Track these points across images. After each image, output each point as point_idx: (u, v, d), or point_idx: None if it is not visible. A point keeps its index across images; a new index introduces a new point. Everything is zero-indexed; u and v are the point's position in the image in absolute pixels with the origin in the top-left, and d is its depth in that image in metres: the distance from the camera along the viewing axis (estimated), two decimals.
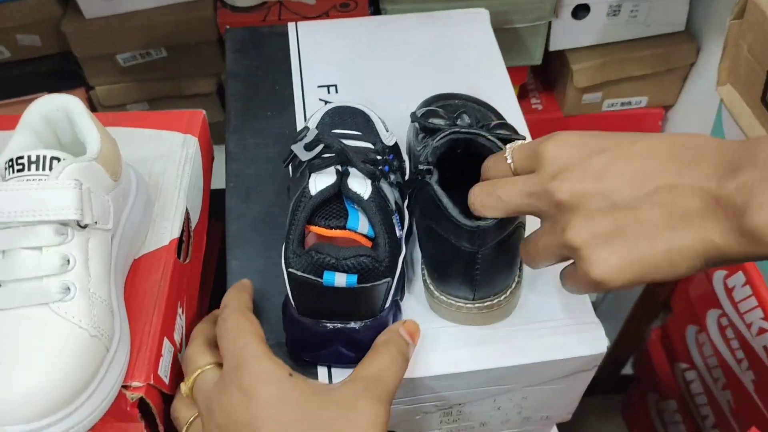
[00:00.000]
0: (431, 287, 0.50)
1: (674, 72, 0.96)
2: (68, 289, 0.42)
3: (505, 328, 0.51)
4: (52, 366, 0.40)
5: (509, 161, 0.42)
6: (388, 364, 0.42)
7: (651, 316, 1.18)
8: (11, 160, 0.43)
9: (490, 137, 0.47)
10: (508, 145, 0.44)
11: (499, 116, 0.57)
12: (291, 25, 0.74)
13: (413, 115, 0.56)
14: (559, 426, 0.70)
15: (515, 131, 0.52)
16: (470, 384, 0.52)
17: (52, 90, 1.05)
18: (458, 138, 0.47)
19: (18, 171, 0.43)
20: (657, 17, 0.91)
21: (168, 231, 0.53)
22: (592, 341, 0.50)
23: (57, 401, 0.40)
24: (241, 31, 0.74)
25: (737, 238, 0.33)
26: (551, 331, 0.50)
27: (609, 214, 0.36)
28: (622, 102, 1.00)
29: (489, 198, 0.42)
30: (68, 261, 0.42)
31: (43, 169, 0.42)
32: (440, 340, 0.50)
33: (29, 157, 0.43)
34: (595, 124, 1.01)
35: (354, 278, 0.40)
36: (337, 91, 0.67)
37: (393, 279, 0.43)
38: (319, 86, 0.67)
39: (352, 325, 0.43)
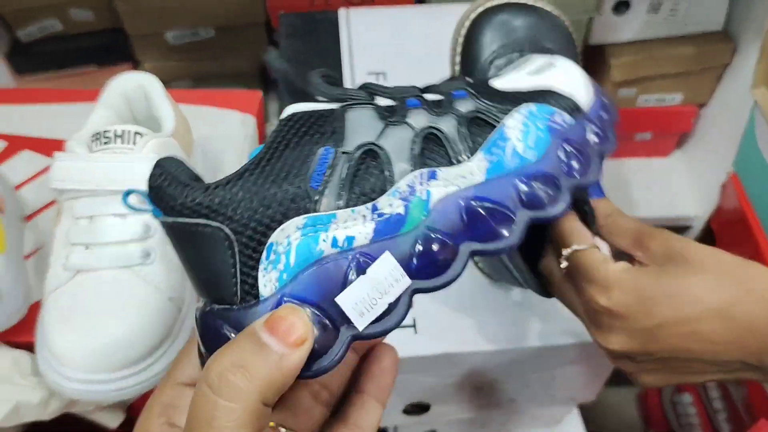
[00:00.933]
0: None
1: (709, 71, 0.98)
2: (149, 254, 0.45)
3: (542, 310, 0.54)
4: (132, 323, 0.44)
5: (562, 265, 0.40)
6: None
7: None
8: (98, 133, 0.47)
9: None
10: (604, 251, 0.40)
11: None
12: (342, 12, 0.77)
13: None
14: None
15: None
16: (504, 361, 0.55)
17: (101, 64, 1.09)
18: None
19: (104, 144, 0.46)
20: (695, 16, 0.92)
21: None
22: None
23: (136, 355, 0.44)
24: (294, 16, 0.77)
25: None
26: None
27: (662, 363, 0.38)
28: (656, 98, 1.01)
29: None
30: (150, 228, 0.46)
31: (128, 143, 0.46)
32: (478, 318, 0.53)
33: (115, 132, 0.46)
34: (629, 118, 1.03)
35: None
36: (385, 79, 0.70)
37: None
38: (368, 73, 0.70)
39: None
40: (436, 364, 0.54)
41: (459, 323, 0.52)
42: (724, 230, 1.00)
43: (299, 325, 0.26)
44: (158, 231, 0.46)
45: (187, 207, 0.28)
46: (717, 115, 1.02)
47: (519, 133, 0.32)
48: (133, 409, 0.54)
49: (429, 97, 0.33)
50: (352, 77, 0.70)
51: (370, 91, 0.32)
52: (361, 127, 0.30)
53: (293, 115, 0.30)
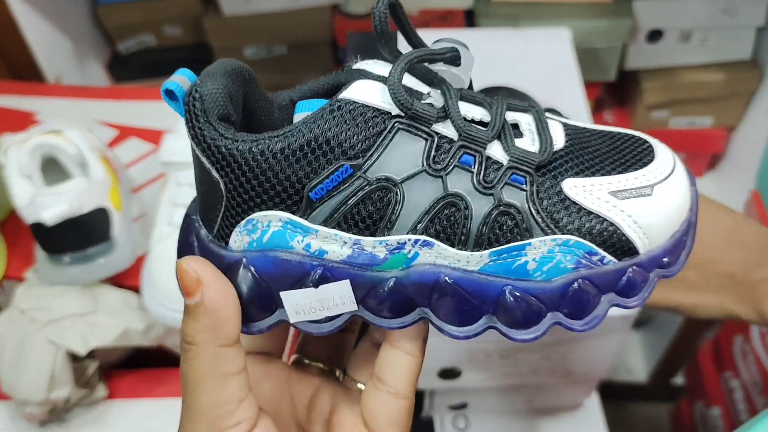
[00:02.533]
0: None
1: (738, 96, 1.05)
2: None
3: None
4: None
5: None
6: None
7: (703, 326, 1.25)
8: None
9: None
10: None
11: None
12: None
13: None
14: (610, 430, 0.80)
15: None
16: None
17: None
18: None
19: None
20: (725, 45, 1.00)
21: None
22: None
23: None
24: (360, 35, 0.88)
25: (753, 314, 0.46)
26: None
27: None
28: (687, 121, 1.09)
29: None
30: None
31: None
32: None
33: None
34: (661, 139, 1.11)
35: None
36: None
37: None
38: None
39: None
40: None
41: None
42: None
43: (187, 274, 0.27)
44: None
45: (203, 143, 0.27)
46: (746, 138, 1.09)
47: (539, 256, 0.28)
48: None
49: (492, 152, 0.29)
50: None
51: (445, 106, 0.28)
52: (399, 159, 0.28)
53: (347, 102, 0.27)
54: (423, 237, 0.28)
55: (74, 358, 0.58)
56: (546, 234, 0.28)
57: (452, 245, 0.28)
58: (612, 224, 0.29)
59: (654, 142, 0.32)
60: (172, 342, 0.62)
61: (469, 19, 1.05)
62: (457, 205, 0.28)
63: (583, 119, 0.75)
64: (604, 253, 0.29)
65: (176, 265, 0.27)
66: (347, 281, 0.28)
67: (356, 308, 0.28)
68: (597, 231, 0.29)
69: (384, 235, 0.28)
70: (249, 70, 0.30)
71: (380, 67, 0.29)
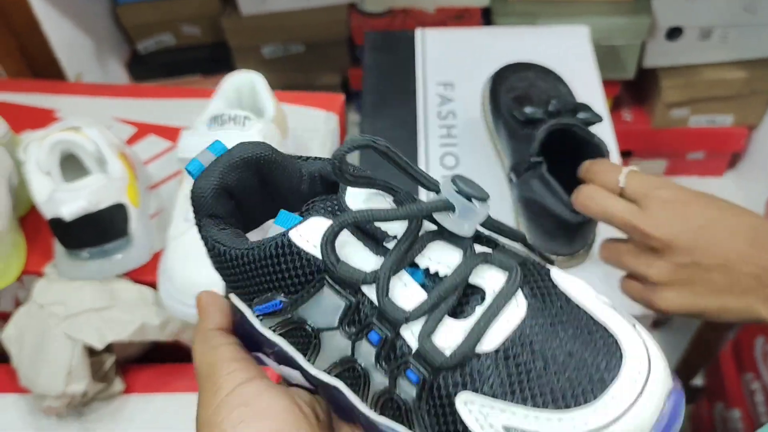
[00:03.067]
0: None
1: (759, 95, 1.04)
2: None
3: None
4: None
5: (621, 184, 0.50)
6: None
7: (724, 327, 1.24)
8: (215, 116, 0.59)
9: (582, 127, 0.58)
10: (625, 169, 0.51)
11: (567, 88, 0.67)
12: (418, 31, 0.89)
13: (510, 112, 0.67)
14: None
15: (591, 110, 0.60)
16: None
17: (205, 73, 1.24)
18: (556, 129, 0.58)
19: (220, 124, 0.58)
20: (745, 43, 0.99)
21: None
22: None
23: None
24: (376, 34, 0.89)
25: None
26: (605, 291, 0.62)
27: (688, 269, 0.47)
28: (708, 119, 1.08)
29: (593, 205, 0.51)
30: None
31: (239, 124, 0.58)
32: None
33: (229, 115, 0.58)
34: (681, 138, 1.10)
35: None
36: (453, 89, 0.80)
37: None
38: (438, 83, 0.81)
39: None
40: None
41: None
42: None
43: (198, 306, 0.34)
44: None
45: (201, 228, 0.31)
46: (767, 136, 1.08)
47: None
48: None
49: (407, 334, 0.26)
50: (424, 86, 0.81)
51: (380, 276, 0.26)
52: (321, 311, 0.28)
53: (290, 244, 0.28)
54: (335, 382, 0.29)
55: (91, 352, 0.58)
56: None
57: (358, 395, 0.29)
58: None
59: (632, 366, 0.24)
60: (188, 337, 0.62)
61: (486, 17, 1.05)
62: (359, 372, 0.28)
63: (601, 116, 0.74)
64: None
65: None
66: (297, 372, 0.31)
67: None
68: None
69: (310, 363, 0.30)
70: (266, 155, 0.31)
71: (356, 201, 0.28)
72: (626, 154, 1.14)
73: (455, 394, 0.25)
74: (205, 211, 0.30)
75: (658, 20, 0.97)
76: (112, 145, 0.62)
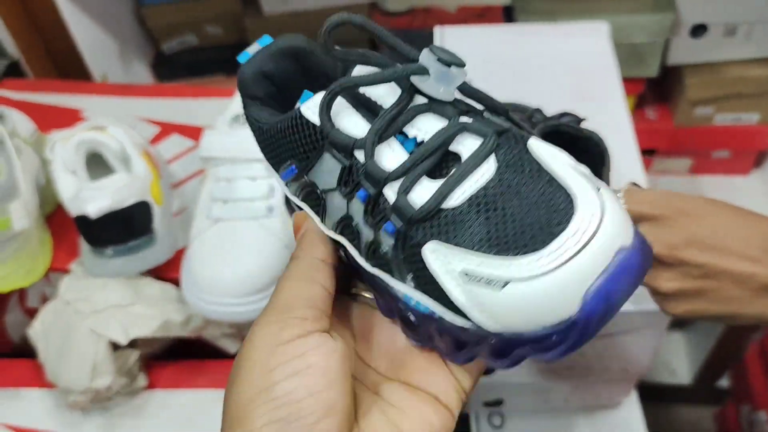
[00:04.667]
0: None
1: None
2: (272, 209, 0.58)
3: None
4: (257, 261, 0.56)
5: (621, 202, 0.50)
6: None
7: (750, 328, 1.22)
8: (237, 115, 0.60)
9: (571, 125, 0.57)
10: (625, 186, 0.49)
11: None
12: (437, 29, 0.89)
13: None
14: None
15: (574, 114, 0.59)
16: None
17: (228, 73, 1.24)
18: (546, 133, 0.58)
19: (242, 123, 0.59)
20: None
21: None
22: None
23: (258, 286, 0.56)
24: (396, 32, 0.89)
25: None
26: None
27: (699, 281, 0.46)
28: (733, 117, 1.07)
29: None
30: (273, 189, 0.58)
31: None
32: None
33: None
34: (706, 136, 1.09)
35: None
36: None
37: None
38: None
39: None
40: None
41: None
42: None
43: (299, 217, 0.34)
44: (280, 191, 0.58)
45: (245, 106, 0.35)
46: None
47: (401, 292, 0.30)
48: None
49: (389, 192, 0.30)
50: None
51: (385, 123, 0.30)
52: (324, 174, 0.31)
53: (300, 116, 0.31)
54: (340, 237, 0.32)
55: (116, 348, 0.59)
56: (402, 282, 0.30)
57: (358, 252, 0.32)
58: (453, 300, 0.28)
59: (580, 220, 0.26)
60: (210, 333, 0.63)
61: (508, 15, 1.04)
62: (352, 227, 0.31)
63: (621, 114, 0.74)
64: (454, 317, 0.28)
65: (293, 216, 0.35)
66: None
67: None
68: (444, 301, 0.28)
69: (323, 222, 0.33)
70: (302, 45, 0.35)
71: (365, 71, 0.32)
72: (650, 153, 1.12)
73: (423, 244, 0.28)
74: (247, 93, 0.34)
75: (682, 17, 0.96)
76: (136, 144, 0.63)
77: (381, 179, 0.29)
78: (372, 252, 0.31)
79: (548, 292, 0.25)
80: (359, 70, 0.32)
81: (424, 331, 0.31)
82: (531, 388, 0.77)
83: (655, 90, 1.11)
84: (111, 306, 0.59)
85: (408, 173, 0.29)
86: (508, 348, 0.28)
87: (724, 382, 1.36)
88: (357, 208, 0.31)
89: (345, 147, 0.30)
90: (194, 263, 0.58)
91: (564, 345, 0.27)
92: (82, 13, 0.99)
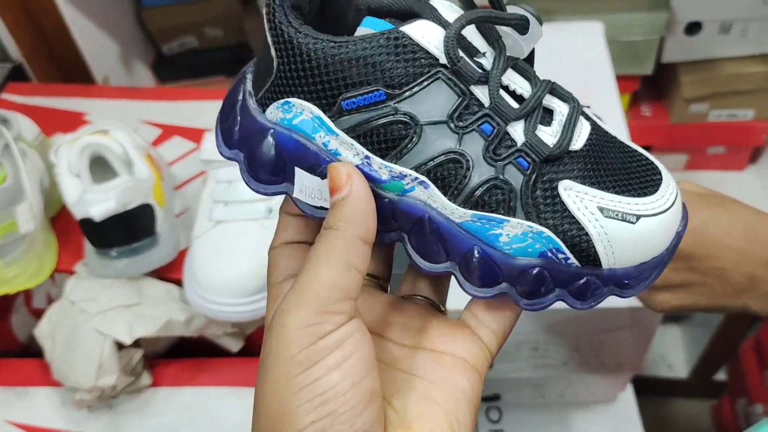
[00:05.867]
0: None
1: None
2: (271, 210, 0.59)
3: None
4: (257, 262, 0.57)
5: None
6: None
7: (745, 322, 1.23)
8: None
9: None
10: None
11: None
12: None
13: None
14: (647, 425, 0.80)
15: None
16: (554, 321, 0.65)
17: (229, 74, 1.25)
18: None
19: None
20: (766, 37, 0.99)
21: None
22: None
23: (258, 286, 0.57)
24: None
25: None
26: None
27: (683, 274, 0.48)
28: (728, 114, 1.08)
29: None
30: None
31: None
32: None
33: None
34: (701, 132, 1.10)
35: None
36: None
37: None
38: None
39: None
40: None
41: None
42: None
43: (341, 170, 0.29)
44: None
45: (272, 22, 0.30)
46: None
47: (512, 234, 0.31)
48: (250, 339, 0.68)
49: (512, 130, 0.31)
50: None
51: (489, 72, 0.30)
52: (429, 104, 0.30)
53: (405, 36, 0.29)
54: (423, 177, 0.30)
55: (120, 347, 0.61)
56: (526, 219, 0.31)
57: (445, 194, 0.31)
58: (587, 234, 0.30)
59: (666, 176, 0.33)
60: (212, 332, 0.64)
61: None
62: (462, 163, 0.30)
63: (615, 113, 0.75)
64: (570, 255, 0.31)
65: (330, 166, 0.29)
66: None
67: None
68: (571, 235, 0.31)
69: (391, 162, 0.30)
70: None
71: (449, 12, 0.31)
72: (646, 149, 1.13)
73: (558, 181, 0.31)
74: (285, 15, 0.30)
75: (677, 15, 0.97)
76: (138, 147, 0.65)
77: (511, 116, 0.30)
78: (481, 194, 0.30)
79: (663, 228, 0.31)
80: (440, 6, 0.31)
81: (504, 274, 0.31)
82: (528, 383, 0.78)
83: (650, 87, 1.12)
84: (115, 306, 0.60)
85: (529, 117, 0.31)
86: (595, 287, 0.32)
87: (720, 376, 1.37)
88: (474, 142, 0.30)
89: (469, 79, 0.29)
90: (196, 264, 0.59)
91: (647, 281, 0.32)
92: (83, 17, 1.00)
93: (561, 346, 0.70)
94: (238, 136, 0.32)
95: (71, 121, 0.78)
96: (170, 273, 0.65)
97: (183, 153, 0.76)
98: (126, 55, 1.14)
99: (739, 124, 1.09)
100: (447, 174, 0.30)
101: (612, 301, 0.62)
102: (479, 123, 0.30)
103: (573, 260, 0.31)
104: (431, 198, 0.31)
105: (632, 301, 0.62)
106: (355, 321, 0.28)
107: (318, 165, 0.31)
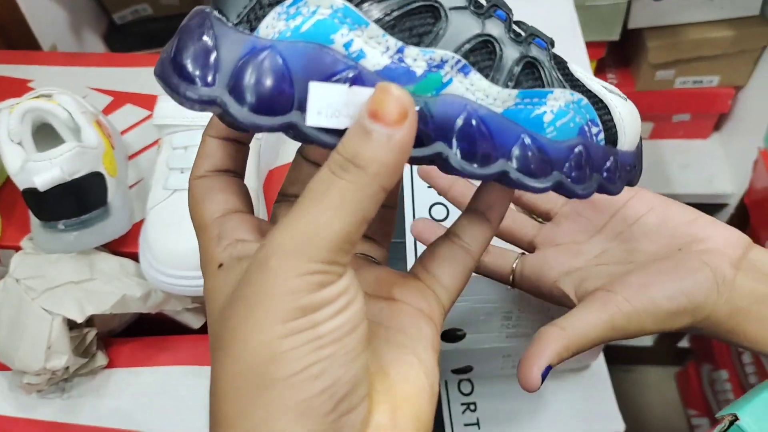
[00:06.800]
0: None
1: (746, 54, 1.03)
2: None
3: None
4: None
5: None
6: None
7: None
8: None
9: None
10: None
11: None
12: None
13: None
14: (616, 393, 0.80)
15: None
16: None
17: None
18: None
19: None
20: (732, 1, 0.98)
21: None
22: None
23: None
24: None
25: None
26: None
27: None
28: (694, 80, 1.07)
29: None
30: None
31: None
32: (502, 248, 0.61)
33: None
34: (667, 100, 1.09)
35: None
36: None
37: None
38: None
39: None
40: (467, 287, 0.62)
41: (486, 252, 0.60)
42: (757, 206, 1.05)
43: (398, 103, 0.24)
44: None
45: None
46: (754, 96, 1.07)
47: (556, 108, 0.31)
48: None
49: (516, 28, 0.31)
50: None
51: None
52: None
53: None
54: (464, 61, 0.29)
55: (72, 326, 0.57)
56: (563, 91, 0.31)
57: (486, 77, 0.29)
58: (606, 107, 0.32)
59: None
60: (171, 308, 0.61)
61: None
62: (493, 45, 0.30)
63: None
64: (602, 129, 0.32)
65: (382, 87, 0.24)
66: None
67: None
68: (596, 108, 0.32)
69: (429, 45, 0.28)
70: None
71: None
72: None
73: (566, 61, 0.33)
74: None
75: None
76: (86, 112, 0.60)
77: (509, 12, 0.31)
78: (521, 67, 0.30)
79: (635, 112, 0.34)
80: None
81: (554, 161, 0.31)
82: (500, 353, 0.77)
83: (616, 54, 1.11)
84: (65, 282, 0.56)
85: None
86: (615, 170, 0.33)
87: (685, 343, 1.38)
88: (496, 26, 0.30)
89: None
90: (152, 235, 0.56)
91: (638, 169, 0.34)
92: None
93: (533, 314, 0.68)
94: (215, 69, 0.25)
95: (15, 88, 0.73)
96: (124, 246, 0.61)
97: (136, 121, 0.72)
98: (75, 24, 1.08)
99: (704, 90, 1.08)
100: (482, 57, 0.29)
101: None
102: (492, 10, 0.30)
103: (602, 136, 0.32)
104: (470, 88, 0.29)
105: None
106: (351, 268, 0.26)
107: (337, 71, 0.26)
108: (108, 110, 0.73)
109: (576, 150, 0.31)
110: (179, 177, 0.56)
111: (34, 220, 0.59)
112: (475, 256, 0.33)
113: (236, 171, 0.31)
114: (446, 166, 0.29)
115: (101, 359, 0.60)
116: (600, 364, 0.82)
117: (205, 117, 0.56)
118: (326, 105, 0.26)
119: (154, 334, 0.64)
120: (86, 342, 0.59)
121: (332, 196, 0.24)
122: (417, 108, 0.27)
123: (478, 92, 0.29)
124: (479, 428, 0.78)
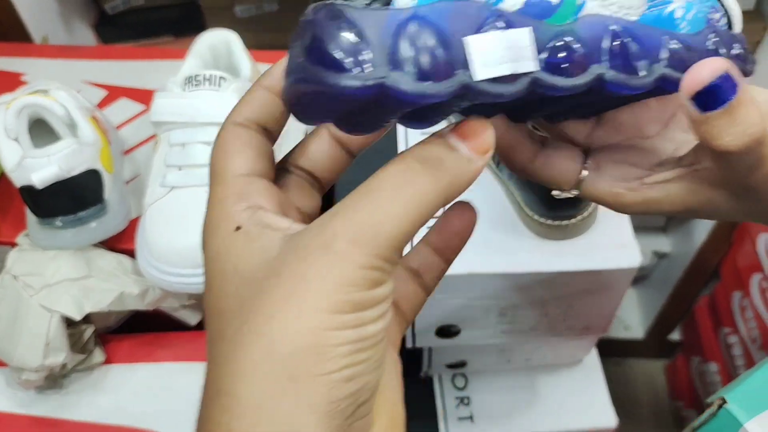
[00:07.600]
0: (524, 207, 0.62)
1: None
2: None
3: (557, 243, 0.62)
4: None
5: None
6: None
7: (700, 283, 1.25)
8: (190, 77, 0.57)
9: None
10: None
11: None
12: None
13: None
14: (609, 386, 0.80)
15: None
16: (523, 285, 0.64)
17: (176, 34, 1.20)
18: None
19: (195, 85, 0.56)
20: None
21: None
22: (628, 256, 0.61)
23: None
24: None
25: None
26: (595, 246, 0.62)
27: None
28: None
29: None
30: None
31: (214, 85, 0.56)
32: (499, 245, 0.62)
33: (204, 76, 0.56)
34: None
35: None
36: None
37: None
38: None
39: None
40: (462, 284, 0.62)
41: (482, 248, 0.60)
42: None
43: (488, 135, 0.25)
44: None
45: None
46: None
47: (684, 2, 0.31)
48: None
49: None
50: None
51: None
52: None
53: None
54: None
55: (69, 323, 0.57)
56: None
57: None
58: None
59: None
60: (168, 305, 0.61)
61: None
62: None
63: None
64: (723, 13, 0.33)
65: (466, 125, 0.25)
66: (530, 28, 0.25)
67: (536, 68, 0.25)
68: None
69: None
70: None
71: None
72: None
73: None
74: None
75: None
76: (82, 108, 0.60)
77: None
78: None
79: None
80: None
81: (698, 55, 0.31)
82: (494, 349, 0.77)
83: None
84: (62, 280, 0.56)
85: None
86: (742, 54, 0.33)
87: (676, 336, 1.40)
88: None
89: None
90: (149, 233, 0.55)
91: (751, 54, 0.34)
92: None
93: (529, 311, 0.68)
94: (370, 51, 0.23)
95: (8, 82, 0.73)
96: (121, 243, 0.61)
97: (131, 115, 0.71)
98: (66, 14, 1.07)
99: None
100: None
101: (586, 263, 0.61)
102: None
103: (724, 21, 0.33)
104: (604, 3, 0.28)
105: (605, 263, 0.61)
106: None
107: (485, 19, 0.25)
108: (103, 104, 0.72)
109: (712, 39, 0.31)
110: (177, 174, 0.56)
111: (30, 217, 0.59)
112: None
113: (273, 135, 0.28)
114: (602, 91, 0.28)
115: (99, 356, 0.60)
116: (593, 358, 0.82)
117: (203, 114, 0.56)
118: (489, 56, 0.24)
119: (150, 331, 0.64)
120: (84, 339, 0.59)
121: (406, 190, 0.23)
122: (568, 38, 0.27)
123: (612, 6, 0.29)
124: (473, 422, 0.79)
